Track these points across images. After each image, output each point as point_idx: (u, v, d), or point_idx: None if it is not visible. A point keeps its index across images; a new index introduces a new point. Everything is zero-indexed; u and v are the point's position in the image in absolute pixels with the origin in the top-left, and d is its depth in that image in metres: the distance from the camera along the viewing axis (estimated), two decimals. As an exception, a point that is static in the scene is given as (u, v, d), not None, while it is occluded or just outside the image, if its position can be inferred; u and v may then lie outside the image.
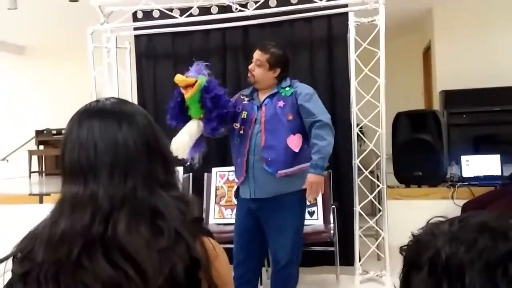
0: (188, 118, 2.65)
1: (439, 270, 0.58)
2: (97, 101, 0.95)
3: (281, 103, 2.65)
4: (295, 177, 2.63)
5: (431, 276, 0.59)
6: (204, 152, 2.79)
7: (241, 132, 2.69)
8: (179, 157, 2.58)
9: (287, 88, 2.69)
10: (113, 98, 0.98)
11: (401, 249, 0.68)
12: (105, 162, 0.87)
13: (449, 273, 0.58)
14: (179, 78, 2.57)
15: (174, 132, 2.65)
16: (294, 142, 2.63)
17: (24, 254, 0.87)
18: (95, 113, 0.92)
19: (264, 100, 2.69)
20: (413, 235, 0.67)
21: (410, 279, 0.63)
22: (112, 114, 0.92)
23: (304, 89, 2.69)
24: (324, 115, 2.63)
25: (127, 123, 0.91)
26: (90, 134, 0.89)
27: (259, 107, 2.69)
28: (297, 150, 2.63)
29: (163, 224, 0.86)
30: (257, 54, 2.72)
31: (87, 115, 0.92)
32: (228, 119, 2.68)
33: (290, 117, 2.63)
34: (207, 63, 2.67)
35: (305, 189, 2.63)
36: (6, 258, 0.88)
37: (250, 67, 2.74)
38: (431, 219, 0.68)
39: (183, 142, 2.60)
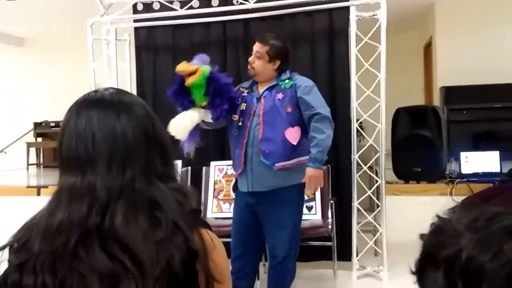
0: (188, 101, 2.63)
1: (456, 271, 0.56)
2: (96, 91, 0.94)
3: (280, 96, 2.64)
4: (293, 170, 2.61)
5: (447, 278, 0.57)
6: (200, 145, 2.77)
7: (240, 124, 2.68)
8: (177, 137, 2.57)
9: (287, 81, 2.68)
10: (112, 88, 0.97)
11: (422, 236, 0.65)
12: (103, 153, 0.87)
13: (466, 276, 0.55)
14: (181, 67, 2.58)
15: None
16: (293, 134, 2.62)
17: (20, 244, 0.86)
18: (94, 103, 0.91)
19: (263, 92, 2.68)
20: (438, 216, 0.64)
21: (425, 272, 0.62)
22: (111, 104, 0.91)
23: (303, 82, 2.68)
24: (323, 108, 2.61)
25: (125, 113, 0.90)
26: (88, 124, 0.88)
27: (258, 99, 2.68)
28: (295, 143, 2.61)
29: (160, 215, 0.85)
30: (256, 46, 2.71)
31: (85, 105, 0.91)
32: (235, 106, 2.69)
33: (289, 110, 2.61)
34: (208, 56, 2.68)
35: (303, 183, 2.62)
36: (2, 248, 0.87)
37: (250, 59, 2.73)
38: (463, 200, 0.65)
39: (184, 123, 2.60)
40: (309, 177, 2.56)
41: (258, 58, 2.68)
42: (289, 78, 2.69)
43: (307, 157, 2.58)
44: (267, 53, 2.66)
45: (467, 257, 0.56)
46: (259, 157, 2.60)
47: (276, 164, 2.59)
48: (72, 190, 0.85)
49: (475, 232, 0.58)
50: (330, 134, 2.58)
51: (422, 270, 0.62)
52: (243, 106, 2.70)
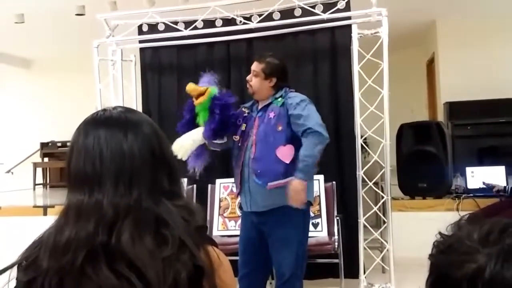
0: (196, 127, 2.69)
1: None
2: (104, 110, 0.96)
3: (272, 114, 2.62)
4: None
5: None
6: (207, 163, 2.79)
7: (239, 144, 2.70)
8: (179, 157, 2.57)
9: (280, 99, 2.67)
10: (120, 107, 0.98)
11: (431, 256, 0.62)
12: (110, 171, 0.88)
13: None
14: (191, 87, 2.64)
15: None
16: (285, 153, 2.57)
17: (29, 262, 0.87)
18: (102, 122, 0.92)
19: (258, 112, 2.70)
20: (441, 235, 0.61)
21: None
22: (118, 123, 0.92)
23: (294, 99, 2.63)
24: (311, 121, 2.54)
25: (132, 132, 0.91)
26: (96, 142, 0.89)
27: (254, 119, 2.70)
28: (287, 162, 2.56)
29: (167, 233, 0.86)
30: (253, 65, 2.75)
31: (93, 124, 0.92)
32: (229, 127, 2.69)
33: (280, 128, 2.58)
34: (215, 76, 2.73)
35: (309, 202, 2.62)
36: (11, 266, 0.88)
37: (247, 78, 2.77)
38: (462, 217, 0.62)
39: (185, 144, 2.65)
40: (291, 189, 2.48)
41: (255, 76, 2.71)
42: (281, 96, 2.67)
43: None
44: (262, 71, 2.68)
45: (491, 273, 0.53)
46: (253, 177, 2.60)
47: (269, 184, 2.54)
48: (80, 208, 0.86)
49: (492, 246, 0.55)
50: (315, 149, 2.51)
51: None
52: (243, 127, 2.71)
